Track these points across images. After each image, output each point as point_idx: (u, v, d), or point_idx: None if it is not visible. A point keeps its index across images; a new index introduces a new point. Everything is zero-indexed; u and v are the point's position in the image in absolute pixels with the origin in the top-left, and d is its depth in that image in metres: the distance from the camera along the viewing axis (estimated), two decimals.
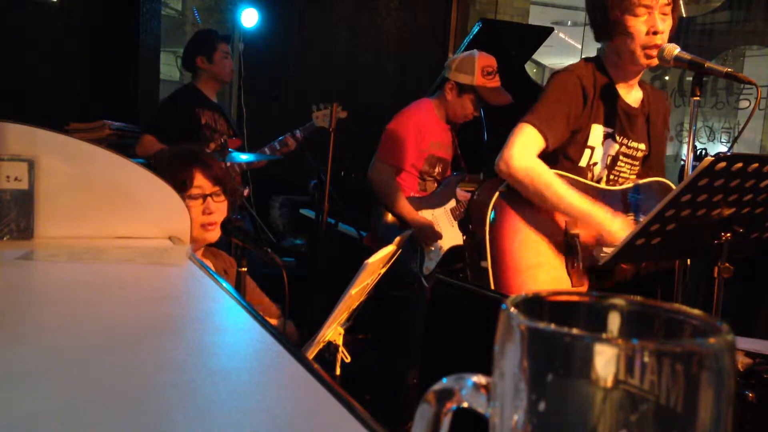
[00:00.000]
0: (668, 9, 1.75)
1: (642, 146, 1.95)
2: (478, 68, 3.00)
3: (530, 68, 5.22)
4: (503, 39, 3.73)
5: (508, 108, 2.96)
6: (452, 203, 3.13)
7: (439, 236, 3.00)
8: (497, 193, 1.84)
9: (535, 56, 4.60)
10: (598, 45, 1.93)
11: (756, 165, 1.38)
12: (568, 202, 1.77)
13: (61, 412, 0.54)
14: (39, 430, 0.52)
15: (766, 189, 1.45)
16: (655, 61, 1.76)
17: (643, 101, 1.95)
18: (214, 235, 1.89)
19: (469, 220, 1.92)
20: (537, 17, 6.07)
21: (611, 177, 1.93)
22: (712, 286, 1.51)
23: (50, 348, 0.71)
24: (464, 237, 1.97)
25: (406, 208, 3.00)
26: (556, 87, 1.85)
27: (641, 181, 1.96)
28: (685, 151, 1.72)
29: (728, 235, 1.50)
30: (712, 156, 1.35)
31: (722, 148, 5.46)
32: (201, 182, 1.87)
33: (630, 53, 1.78)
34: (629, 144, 1.92)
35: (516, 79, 3.30)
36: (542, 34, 4.10)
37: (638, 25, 1.74)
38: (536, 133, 1.79)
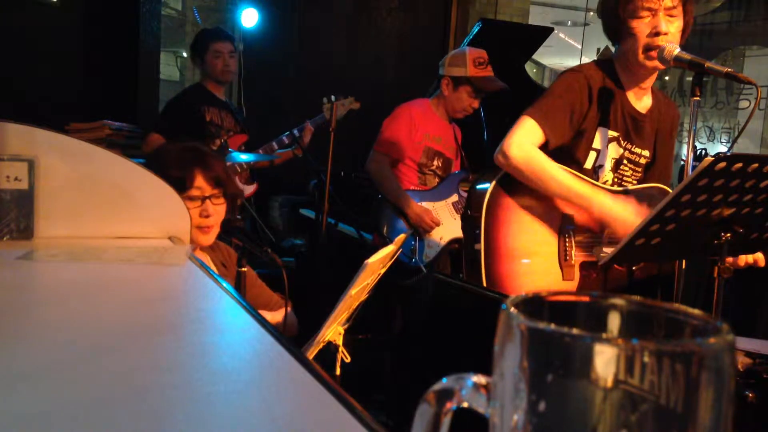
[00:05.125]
0: (676, 11, 1.75)
1: (646, 153, 1.96)
2: (470, 60, 3.09)
3: (530, 68, 5.22)
4: (503, 39, 3.73)
5: (507, 106, 2.98)
6: (454, 197, 3.17)
7: (437, 223, 3.04)
8: (495, 180, 1.86)
9: (535, 56, 4.60)
10: (599, 45, 1.95)
11: (756, 165, 1.38)
12: (567, 187, 1.78)
13: (61, 412, 0.54)
14: (39, 430, 0.52)
15: (766, 189, 1.45)
16: (656, 62, 1.77)
17: (652, 108, 1.96)
18: (209, 238, 1.84)
19: (468, 206, 1.94)
20: (537, 17, 6.06)
21: (615, 180, 1.94)
22: (712, 286, 1.51)
23: (50, 348, 0.71)
24: (462, 221, 1.99)
25: (401, 195, 3.04)
26: (561, 84, 1.87)
27: (642, 186, 1.96)
28: (685, 151, 1.72)
29: (728, 235, 1.50)
30: (712, 156, 1.35)
31: (722, 148, 5.46)
32: (201, 183, 1.82)
33: (633, 54, 1.80)
34: (633, 149, 1.93)
35: (516, 79, 3.31)
36: (542, 34, 4.11)
37: (641, 26, 1.76)
38: (535, 125, 1.81)
